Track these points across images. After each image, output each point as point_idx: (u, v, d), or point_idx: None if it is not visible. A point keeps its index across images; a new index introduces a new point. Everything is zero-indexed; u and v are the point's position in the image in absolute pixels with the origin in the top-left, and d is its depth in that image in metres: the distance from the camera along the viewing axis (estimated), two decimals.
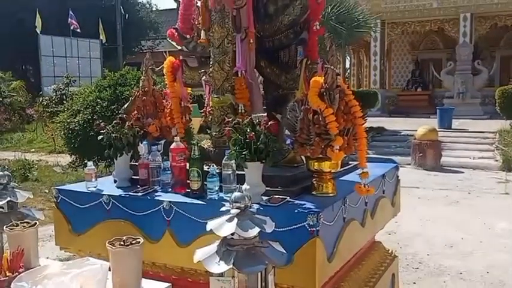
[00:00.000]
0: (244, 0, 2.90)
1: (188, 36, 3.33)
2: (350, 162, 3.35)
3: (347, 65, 25.58)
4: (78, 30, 20.11)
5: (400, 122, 15.71)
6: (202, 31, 3.09)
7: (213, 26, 3.01)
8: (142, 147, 3.09)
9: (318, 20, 3.13)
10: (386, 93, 20.46)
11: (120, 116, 3.11)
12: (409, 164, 10.74)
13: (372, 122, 12.86)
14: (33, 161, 10.19)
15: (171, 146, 2.81)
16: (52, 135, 12.46)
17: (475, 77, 18.13)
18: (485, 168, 10.38)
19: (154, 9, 28.93)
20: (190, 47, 3.32)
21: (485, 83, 18.58)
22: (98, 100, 8.21)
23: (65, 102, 9.93)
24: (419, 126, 11.44)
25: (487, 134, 12.71)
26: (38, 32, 19.64)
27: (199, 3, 3.13)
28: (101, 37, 21.15)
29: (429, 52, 22.14)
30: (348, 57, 24.61)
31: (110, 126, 2.97)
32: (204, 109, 3.33)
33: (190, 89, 3.56)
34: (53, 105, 13.99)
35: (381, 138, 13.20)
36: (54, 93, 15.28)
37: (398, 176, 3.77)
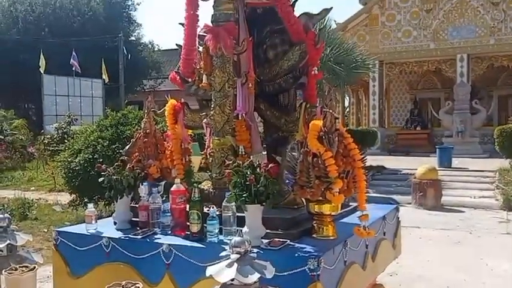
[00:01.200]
0: (245, 46, 2.99)
1: (190, 80, 3.41)
2: (350, 204, 3.35)
3: (346, 104, 25.83)
4: (79, 71, 20.45)
5: (400, 161, 15.72)
6: (203, 75, 3.16)
7: (215, 70, 3.09)
8: (143, 189, 3.11)
9: (316, 65, 3.21)
10: (385, 131, 20.58)
11: (121, 157, 3.14)
12: (410, 203, 10.68)
13: (372, 160, 12.87)
14: (32, 199, 10.13)
15: (172, 188, 2.83)
16: (52, 173, 12.45)
17: (473, 116, 18.27)
18: (486, 207, 10.32)
19: (156, 49, 29.40)
20: (191, 90, 3.39)
21: (484, 122, 18.71)
22: (99, 139, 8.25)
23: (66, 141, 9.97)
24: (419, 165, 11.43)
25: (487, 173, 12.69)
26: (42, 71, 19.94)
27: (201, 49, 3.22)
28: (104, 77, 21.45)
29: (427, 91, 22.40)
30: (347, 97, 24.88)
31: (110, 168, 3.00)
32: (205, 151, 3.37)
33: (191, 130, 3.61)
34: (54, 144, 14.04)
35: (381, 177, 13.17)
36: (56, 132, 15.37)
37: (398, 218, 3.77)
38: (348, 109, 26.20)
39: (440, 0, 18.91)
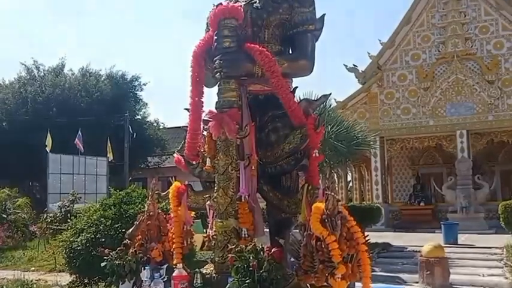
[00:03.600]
0: (248, 130, 3.10)
1: (194, 162, 3.49)
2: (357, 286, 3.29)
3: (349, 179, 25.82)
4: (82, 151, 20.78)
5: (405, 237, 15.47)
6: (207, 158, 3.24)
7: (218, 154, 3.18)
8: (145, 273, 3.08)
9: (317, 147, 3.30)
10: (389, 207, 20.40)
11: (124, 242, 3.14)
12: (417, 282, 10.38)
13: (377, 237, 12.67)
14: (32, 280, 9.91)
15: (173, 274, 2.81)
16: (53, 253, 12.27)
17: (476, 192, 18.17)
18: (496, 286, 10.01)
19: (161, 127, 29.94)
20: (195, 172, 3.46)
21: (488, 197, 18.58)
22: (102, 219, 8.22)
23: (69, 220, 9.94)
24: (424, 242, 11.24)
25: (495, 250, 12.44)
26: (48, 150, 20.20)
27: (205, 133, 3.33)
28: (108, 155, 21.72)
29: (429, 167, 22.46)
30: (349, 172, 24.94)
31: (113, 252, 3.00)
32: (208, 233, 3.37)
33: (194, 212, 3.64)
34: (57, 223, 13.95)
35: (386, 255, 12.90)
36: (59, 210, 15.33)
37: None
38: (350, 184, 26.16)
39: (437, 79, 19.47)
